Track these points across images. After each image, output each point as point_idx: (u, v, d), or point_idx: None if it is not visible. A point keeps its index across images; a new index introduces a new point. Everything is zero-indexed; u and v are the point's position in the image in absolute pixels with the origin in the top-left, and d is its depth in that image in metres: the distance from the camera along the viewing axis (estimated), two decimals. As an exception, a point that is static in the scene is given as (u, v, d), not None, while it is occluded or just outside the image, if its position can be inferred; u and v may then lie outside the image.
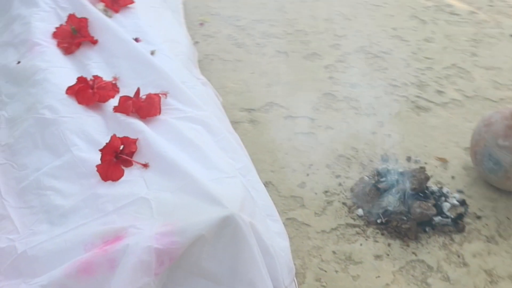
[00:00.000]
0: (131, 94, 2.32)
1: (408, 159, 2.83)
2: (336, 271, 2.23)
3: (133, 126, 2.18)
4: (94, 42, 2.60)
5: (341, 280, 2.20)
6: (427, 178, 2.56)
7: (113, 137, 2.08)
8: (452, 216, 2.50)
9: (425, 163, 2.80)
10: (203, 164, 2.05)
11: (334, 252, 2.34)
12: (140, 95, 2.33)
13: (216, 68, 3.31)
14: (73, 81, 2.36)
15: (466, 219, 2.52)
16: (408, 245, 2.39)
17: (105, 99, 2.31)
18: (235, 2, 3.93)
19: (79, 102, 2.29)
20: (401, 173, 2.58)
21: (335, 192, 2.62)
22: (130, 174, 2.04)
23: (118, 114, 2.24)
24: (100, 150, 2.06)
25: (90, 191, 1.98)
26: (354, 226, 2.46)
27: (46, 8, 2.72)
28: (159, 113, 2.29)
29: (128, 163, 2.07)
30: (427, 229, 2.45)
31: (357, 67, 3.40)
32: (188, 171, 1.97)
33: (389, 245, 2.38)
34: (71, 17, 2.63)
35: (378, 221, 2.47)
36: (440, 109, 3.15)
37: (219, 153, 2.17)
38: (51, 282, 1.70)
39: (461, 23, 3.90)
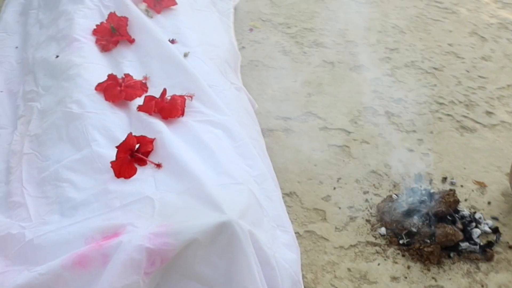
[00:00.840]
0: (159, 94, 2.34)
1: (444, 180, 2.71)
2: (346, 289, 2.16)
3: (152, 126, 2.20)
4: (131, 41, 2.65)
5: (349, 299, 2.13)
6: (456, 202, 2.44)
7: (129, 135, 2.11)
8: (481, 243, 2.38)
9: (461, 185, 2.67)
10: (214, 168, 2.05)
11: (349, 270, 2.27)
12: (166, 96, 2.34)
13: (259, 74, 3.29)
14: (104, 78, 2.41)
15: (497, 248, 2.38)
16: (429, 270, 2.29)
17: (131, 97, 2.34)
18: (289, 10, 3.90)
19: (106, 99, 2.34)
20: (431, 194, 2.48)
21: (360, 208, 2.54)
22: (143, 173, 2.06)
23: (141, 113, 2.27)
24: (116, 147, 2.09)
25: (102, 186, 2.01)
26: (374, 244, 2.38)
27: (91, 6, 2.80)
28: (182, 114, 2.30)
29: (143, 162, 2.09)
30: (452, 254, 2.34)
31: (405, 82, 3.30)
32: (197, 174, 1.96)
33: (408, 267, 2.29)
34: (111, 15, 2.69)
35: (401, 241, 2.38)
36: (487, 131, 3.00)
37: (233, 159, 2.16)
38: (48, 271, 1.73)
39: (526, 42, 3.71)
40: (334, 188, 2.63)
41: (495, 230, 2.45)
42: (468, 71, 3.42)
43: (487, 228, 2.44)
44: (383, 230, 2.43)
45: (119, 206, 1.92)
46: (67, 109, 2.30)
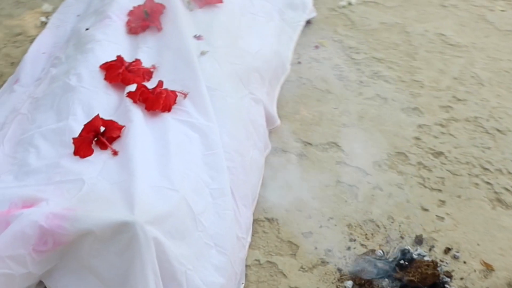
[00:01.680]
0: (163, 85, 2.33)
1: (447, 250, 2.40)
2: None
3: (130, 114, 2.19)
4: (159, 28, 2.65)
5: None
6: (435, 276, 2.15)
7: (96, 117, 2.11)
8: (450, 332, 2.08)
9: (464, 262, 2.36)
10: (160, 169, 1.99)
11: (291, 315, 2.09)
12: (162, 88, 2.31)
13: (302, 93, 3.15)
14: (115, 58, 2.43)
15: None
16: None
17: (128, 82, 2.35)
18: (367, 36, 3.69)
19: (105, 78, 2.36)
20: (411, 260, 2.21)
21: (337, 255, 2.34)
22: (98, 157, 2.05)
23: (127, 99, 2.25)
24: (84, 125, 2.09)
25: (56, 160, 2.04)
26: (333, 296, 2.18)
27: (137, -13, 2.84)
28: (167, 110, 2.26)
29: (104, 146, 2.08)
30: (412, 332, 2.07)
31: (456, 136, 2.98)
32: (136, 170, 1.92)
33: (356, 331, 2.06)
34: (149, 0, 2.71)
35: (362, 302, 2.15)
36: (525, 211, 2.62)
37: (190, 165, 2.09)
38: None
39: None
40: (321, 227, 2.44)
41: (477, 322, 2.14)
42: (536, 141, 3.02)
43: (467, 316, 2.14)
44: (349, 283, 2.21)
45: (55, 182, 1.92)
46: (67, 80, 2.36)
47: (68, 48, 2.66)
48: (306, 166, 2.72)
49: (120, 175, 1.92)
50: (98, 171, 1.96)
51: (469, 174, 2.78)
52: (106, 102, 2.27)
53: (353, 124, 3.00)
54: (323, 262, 2.30)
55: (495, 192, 2.70)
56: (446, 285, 2.21)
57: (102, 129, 2.09)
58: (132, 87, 2.29)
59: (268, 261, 2.28)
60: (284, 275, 2.24)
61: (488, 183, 2.75)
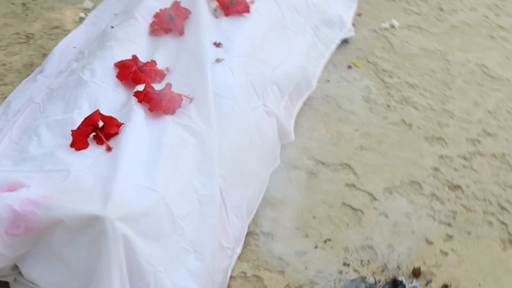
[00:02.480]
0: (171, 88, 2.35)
1: (444, 287, 2.31)
2: None
3: (131, 112, 2.21)
4: (181, 33, 2.68)
5: None
6: (420, 312, 2.06)
7: (96, 112, 2.15)
8: None
9: (461, 302, 2.26)
10: (146, 169, 2.01)
11: (267, 332, 2.05)
12: (170, 91, 2.33)
13: (325, 111, 3.11)
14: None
15: None
16: None
17: (138, 81, 2.37)
18: (404, 61, 3.60)
19: (117, 76, 2.40)
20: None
21: (328, 277, 2.28)
22: (92, 151, 2.08)
23: (133, 98, 2.28)
24: (84, 119, 2.13)
25: (53, 150, 2.08)
26: (313, 319, 2.12)
27: (167, -10, 2.88)
28: (170, 112, 2.27)
29: (100, 141, 2.11)
30: None
31: (477, 171, 2.87)
32: (122, 167, 1.94)
33: None
34: (175, 4, 2.76)
35: (342, 328, 2.09)
36: (539, 257, 2.49)
37: (181, 169, 2.10)
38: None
39: None
40: (316, 247, 2.39)
41: None
42: None
43: None
44: (333, 308, 2.15)
45: (45, 170, 1.96)
46: (81, 74, 2.42)
47: (93, 45, 2.72)
48: (313, 184, 2.67)
49: (106, 169, 1.94)
50: (88, 165, 1.98)
51: (484, 212, 2.67)
52: (114, 99, 2.31)
53: (371, 147, 2.93)
54: (311, 283, 2.25)
55: (509, 233, 2.58)
56: (435, 323, 2.11)
57: (101, 124, 2.11)
58: (141, 87, 2.31)
59: (254, 275, 2.25)
60: (267, 291, 2.20)
61: (503, 223, 2.62)
